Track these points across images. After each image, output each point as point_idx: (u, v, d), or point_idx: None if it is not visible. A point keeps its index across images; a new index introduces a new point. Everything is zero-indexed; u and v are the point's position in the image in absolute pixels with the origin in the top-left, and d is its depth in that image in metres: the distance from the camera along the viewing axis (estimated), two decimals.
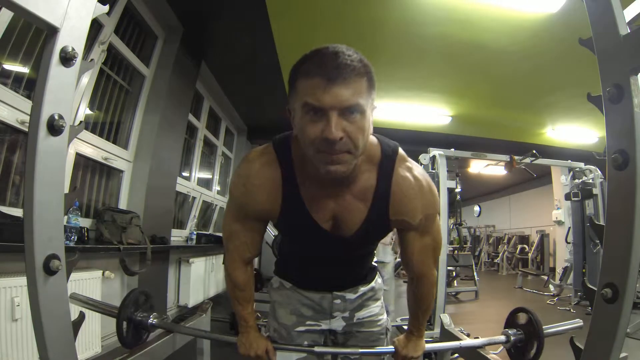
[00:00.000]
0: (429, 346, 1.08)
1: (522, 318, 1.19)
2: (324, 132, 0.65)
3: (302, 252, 1.00)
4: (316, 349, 0.98)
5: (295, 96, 0.70)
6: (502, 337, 1.16)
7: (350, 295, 1.03)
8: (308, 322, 1.03)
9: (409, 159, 0.86)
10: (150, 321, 1.13)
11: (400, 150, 0.85)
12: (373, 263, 1.11)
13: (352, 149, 0.69)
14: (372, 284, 1.07)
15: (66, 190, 0.75)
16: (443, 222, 3.16)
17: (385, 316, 1.10)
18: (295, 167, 0.81)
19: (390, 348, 1.03)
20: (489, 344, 1.17)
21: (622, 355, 0.70)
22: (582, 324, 1.23)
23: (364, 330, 1.05)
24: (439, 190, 3.16)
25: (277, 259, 1.13)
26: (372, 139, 0.81)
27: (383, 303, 1.12)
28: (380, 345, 1.08)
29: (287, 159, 0.81)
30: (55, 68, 0.70)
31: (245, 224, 0.87)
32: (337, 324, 1.04)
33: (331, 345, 1.10)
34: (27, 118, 1.86)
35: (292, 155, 0.81)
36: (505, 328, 1.21)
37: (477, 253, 10.96)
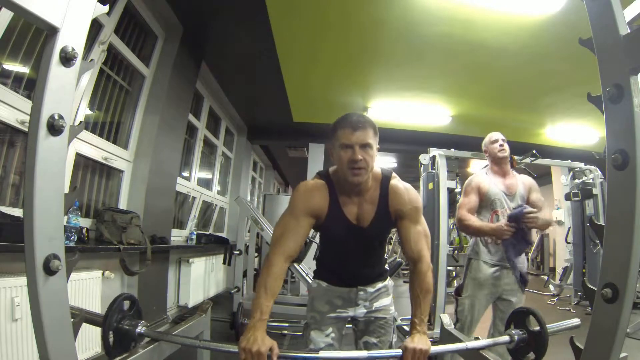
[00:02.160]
0: (434, 348, 1.09)
1: (526, 318, 1.18)
2: (352, 156, 1.16)
3: (337, 247, 1.37)
4: (321, 354, 1.05)
5: (335, 140, 1.20)
6: (506, 338, 1.16)
7: (371, 289, 1.39)
8: (338, 310, 1.38)
9: (398, 177, 1.32)
10: (138, 330, 1.08)
11: (393, 173, 1.33)
12: (386, 267, 1.48)
13: (366, 167, 1.19)
14: (386, 282, 1.44)
15: (66, 190, 0.75)
16: (443, 222, 3.17)
17: (393, 308, 1.44)
18: (335, 186, 1.28)
19: (398, 351, 1.07)
20: (494, 344, 1.16)
21: (622, 355, 0.70)
22: (579, 322, 1.23)
23: (379, 316, 1.39)
24: (439, 190, 3.16)
25: (316, 269, 1.48)
26: (377, 168, 1.29)
27: (392, 299, 1.45)
28: (390, 330, 1.38)
29: (329, 181, 1.29)
30: (55, 68, 0.70)
31: (299, 220, 1.22)
32: (360, 311, 1.38)
33: (355, 330, 1.43)
34: (27, 118, 1.86)
35: (332, 179, 1.29)
36: (507, 328, 1.20)
37: None
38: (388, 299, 1.42)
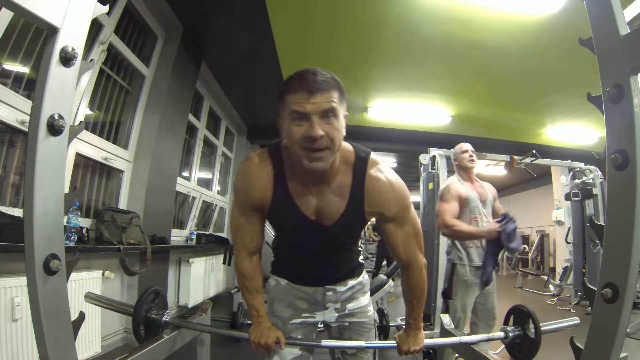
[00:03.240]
0: (427, 341, 1.11)
1: (520, 315, 1.22)
2: (308, 131, 0.83)
3: (293, 244, 1.10)
4: (323, 342, 1.06)
5: (284, 108, 0.88)
6: (501, 334, 1.20)
7: (341, 288, 1.12)
8: (303, 315, 1.12)
9: (381, 162, 0.99)
10: (164, 318, 1.21)
11: (373, 155, 1.00)
12: (360, 260, 1.20)
13: (330, 145, 0.86)
14: (360, 278, 1.17)
15: (66, 190, 0.75)
16: None
17: (372, 308, 1.20)
18: (285, 167, 0.97)
19: (393, 343, 1.09)
20: (488, 340, 1.21)
21: (622, 355, 0.70)
22: (579, 321, 1.26)
23: (355, 320, 1.14)
24: (439, 190, 3.15)
25: (274, 260, 1.21)
26: (347, 145, 0.98)
27: (370, 298, 1.21)
28: (370, 336, 1.16)
29: (278, 160, 0.98)
30: (55, 68, 0.70)
31: (248, 216, 1.01)
32: (330, 315, 1.13)
33: (329, 335, 1.18)
34: (27, 118, 1.85)
35: (282, 158, 0.98)
36: (504, 325, 1.24)
37: None
38: (365, 298, 1.16)
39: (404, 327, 1.12)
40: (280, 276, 1.15)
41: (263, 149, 1.02)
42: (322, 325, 1.21)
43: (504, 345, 1.24)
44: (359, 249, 1.22)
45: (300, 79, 0.85)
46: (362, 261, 1.22)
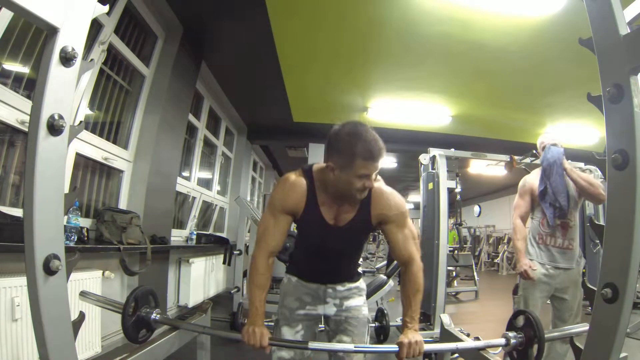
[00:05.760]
0: (427, 347, 1.12)
1: (523, 321, 1.18)
2: (367, 184, 1.15)
3: (311, 242, 1.34)
4: (310, 344, 1.15)
5: (350, 167, 1.12)
6: (502, 340, 1.17)
7: (340, 287, 1.37)
8: (307, 307, 1.36)
9: (382, 181, 1.29)
10: (153, 317, 1.23)
11: (378, 176, 1.26)
12: (359, 270, 1.47)
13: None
14: (357, 283, 1.41)
15: (66, 190, 0.75)
16: (443, 222, 3.16)
17: (366, 310, 1.41)
18: (315, 185, 1.25)
19: (394, 347, 1.12)
20: (488, 346, 1.17)
21: (622, 355, 0.70)
22: (587, 327, 1.21)
23: (350, 315, 1.35)
24: (439, 190, 3.15)
25: (288, 264, 1.48)
26: None
27: (365, 300, 1.43)
28: (364, 331, 1.34)
29: (310, 180, 1.26)
30: (55, 68, 0.70)
31: (277, 219, 1.23)
32: (330, 309, 1.36)
33: (327, 331, 1.39)
34: (27, 118, 1.85)
35: (313, 178, 1.26)
36: (506, 330, 1.20)
37: (477, 253, 10.95)
38: (360, 299, 1.40)
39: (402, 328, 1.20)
40: (293, 275, 1.41)
41: (298, 171, 1.30)
42: (323, 326, 1.43)
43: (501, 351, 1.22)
44: (359, 259, 1.49)
45: (372, 151, 1.11)
46: (361, 272, 1.48)
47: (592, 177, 2.13)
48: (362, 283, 1.44)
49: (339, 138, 1.14)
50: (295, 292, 1.37)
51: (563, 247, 2.04)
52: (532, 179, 2.14)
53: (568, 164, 2.10)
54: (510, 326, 1.22)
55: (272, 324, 1.39)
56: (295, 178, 1.26)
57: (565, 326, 1.95)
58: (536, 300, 2.05)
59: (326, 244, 1.29)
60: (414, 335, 1.13)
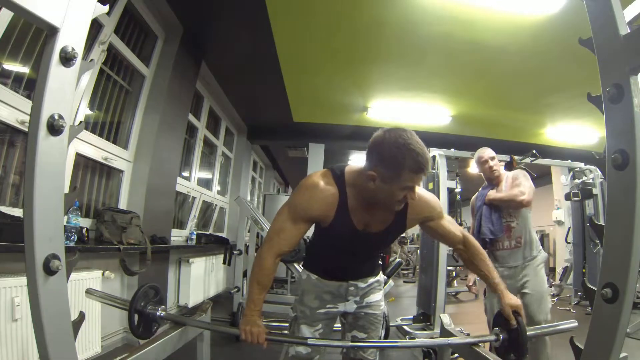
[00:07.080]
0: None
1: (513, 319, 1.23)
2: (410, 195, 1.10)
3: (335, 247, 1.31)
4: (309, 341, 1.22)
5: (396, 179, 1.07)
6: (493, 337, 1.23)
7: (362, 284, 1.36)
8: (328, 305, 1.35)
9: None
10: (159, 314, 1.25)
11: None
12: (379, 262, 1.47)
13: None
14: (378, 277, 1.42)
15: (66, 190, 0.75)
16: None
17: (384, 303, 1.45)
18: (347, 193, 1.18)
19: (405, 341, 1.15)
20: (479, 342, 1.23)
21: (622, 355, 0.70)
22: (576, 323, 1.28)
23: (370, 311, 1.38)
24: (439, 190, 3.17)
25: (306, 258, 1.47)
26: None
27: (383, 294, 1.46)
28: (379, 326, 1.39)
29: (342, 184, 1.18)
30: (55, 68, 0.70)
31: (296, 224, 1.18)
32: (350, 306, 1.37)
33: (343, 323, 1.43)
34: (27, 118, 1.85)
35: (345, 186, 1.18)
36: (494, 327, 1.27)
37: None
38: (379, 294, 1.42)
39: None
40: (312, 272, 1.38)
41: (326, 170, 1.22)
42: (338, 325, 1.45)
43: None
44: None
45: (421, 163, 1.05)
46: (381, 263, 1.48)
47: (514, 185, 2.25)
48: (381, 275, 1.45)
49: (385, 147, 1.06)
50: (315, 290, 1.36)
51: (510, 247, 2.18)
52: (474, 199, 2.39)
53: (490, 194, 2.28)
54: (497, 323, 1.27)
55: (269, 320, 1.43)
56: (324, 185, 1.17)
57: (534, 319, 2.05)
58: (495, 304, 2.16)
59: (355, 247, 1.26)
60: (513, 297, 1.23)
